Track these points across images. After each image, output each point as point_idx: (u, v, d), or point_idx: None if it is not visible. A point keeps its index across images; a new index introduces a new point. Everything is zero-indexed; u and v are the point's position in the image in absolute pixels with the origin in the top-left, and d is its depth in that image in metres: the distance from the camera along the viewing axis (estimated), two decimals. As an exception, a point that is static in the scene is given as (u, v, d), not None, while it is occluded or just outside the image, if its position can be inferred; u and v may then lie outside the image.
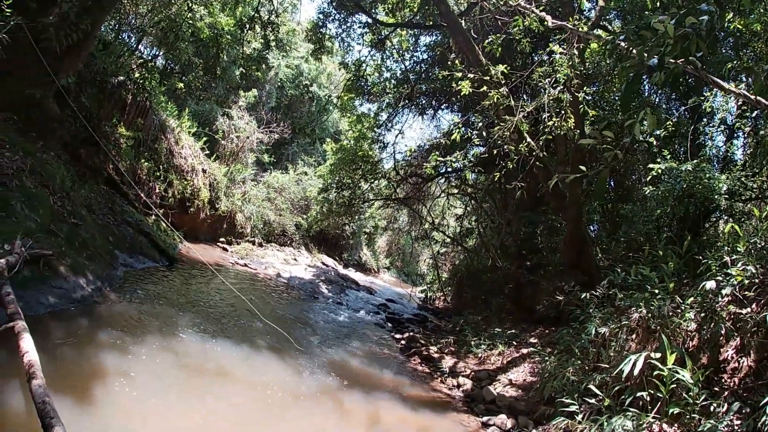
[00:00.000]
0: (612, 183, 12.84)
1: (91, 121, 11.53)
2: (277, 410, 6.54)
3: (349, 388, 8.10)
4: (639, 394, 5.39)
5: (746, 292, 5.55)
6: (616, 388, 5.93)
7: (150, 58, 16.87)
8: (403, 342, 12.80)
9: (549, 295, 10.71)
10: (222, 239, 19.82)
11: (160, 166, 15.04)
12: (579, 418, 6.19)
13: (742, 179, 8.55)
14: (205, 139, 18.73)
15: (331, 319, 13.60)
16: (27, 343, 4.64)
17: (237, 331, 9.21)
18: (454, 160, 8.16)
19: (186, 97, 19.16)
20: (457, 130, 8.46)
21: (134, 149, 13.81)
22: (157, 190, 14.88)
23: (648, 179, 9.02)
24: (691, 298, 6.12)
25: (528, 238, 13.76)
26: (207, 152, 18.90)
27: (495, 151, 8.44)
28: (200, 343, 7.85)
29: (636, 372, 5.25)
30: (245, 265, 17.58)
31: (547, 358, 8.59)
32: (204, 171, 17.67)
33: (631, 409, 5.27)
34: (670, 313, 6.11)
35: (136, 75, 12.25)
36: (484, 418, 8.02)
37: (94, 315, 7.28)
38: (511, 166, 7.79)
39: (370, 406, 7.66)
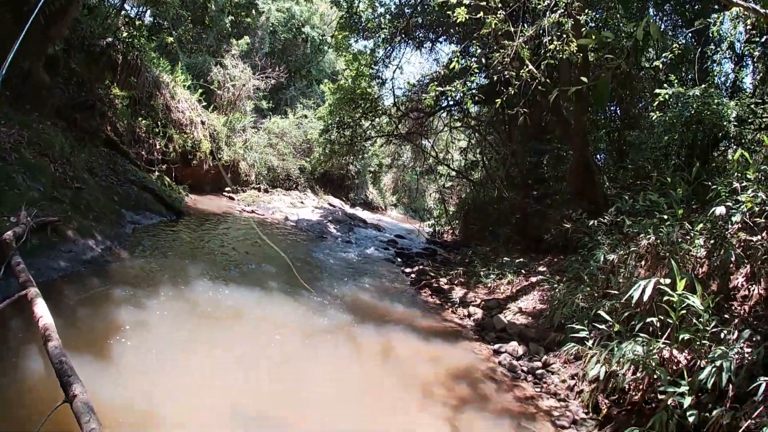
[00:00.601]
0: (618, 110, 12.57)
1: (83, 85, 11.37)
2: (290, 348, 6.69)
3: (361, 323, 8.26)
4: (649, 319, 5.44)
5: (757, 219, 5.50)
6: (626, 314, 5.98)
7: (136, 15, 16.47)
8: (413, 275, 12.92)
9: (556, 224, 10.69)
10: (227, 189, 19.76)
11: (158, 122, 14.89)
12: (589, 343, 6.26)
13: (752, 107, 8.33)
14: (200, 91, 18.40)
15: (341, 257, 13.73)
16: (40, 308, 4.69)
17: (248, 275, 9.37)
18: (453, 89, 7.93)
19: (177, 51, 18.72)
20: (456, 59, 8.20)
21: (130, 108, 13.66)
22: (158, 146, 14.78)
23: (655, 105, 8.78)
24: (701, 225, 6.10)
25: (533, 168, 13.59)
26: (204, 104, 18.58)
27: (496, 79, 8.22)
28: (212, 290, 7.99)
29: (645, 298, 5.26)
30: (252, 211, 17.65)
31: (556, 286, 8.65)
32: (203, 123, 17.45)
33: (641, 335, 5.32)
34: (680, 240, 6.09)
35: (124, 35, 11.96)
36: (496, 346, 8.19)
37: (105, 274, 7.40)
38: (513, 93, 7.58)
39: (383, 339, 7.83)
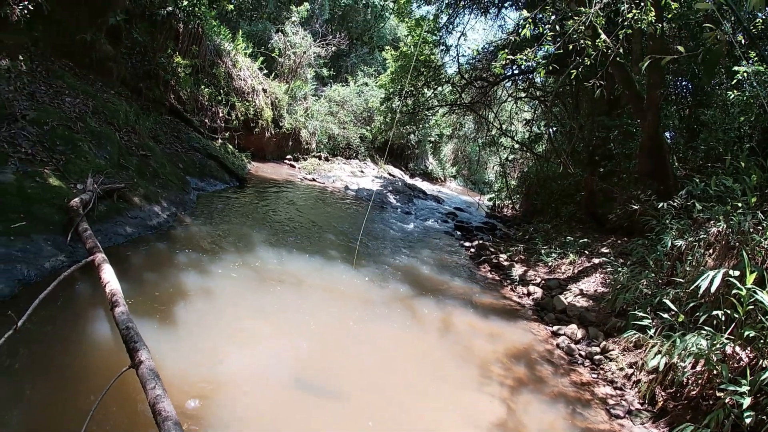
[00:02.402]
0: (690, 86, 11.81)
1: (146, 54, 11.62)
2: (351, 317, 6.77)
3: (420, 296, 8.28)
4: (714, 312, 5.17)
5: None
6: (691, 305, 5.73)
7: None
8: (472, 250, 12.81)
9: (623, 203, 10.24)
10: (289, 156, 20.07)
11: (221, 91, 15.12)
12: (651, 332, 6.07)
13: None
14: (261, 59, 18.51)
15: (400, 228, 13.75)
16: (107, 274, 4.81)
17: (310, 243, 9.50)
18: (524, 58, 7.59)
19: (238, 19, 18.85)
20: (528, 25, 7.85)
21: (193, 77, 13.91)
22: (221, 114, 15.05)
23: (732, 83, 8.17)
24: (775, 215, 5.71)
25: (601, 143, 13.00)
26: (265, 72, 18.75)
27: (571, 47, 7.85)
28: (275, 257, 8.17)
29: (713, 289, 4.99)
30: (313, 179, 17.93)
31: (619, 269, 8.34)
32: (264, 91, 17.64)
33: (705, 328, 5.08)
34: (751, 230, 5.71)
35: (185, 3, 12.04)
36: (554, 327, 8.06)
37: (171, 239, 7.62)
38: (588, 63, 7.21)
39: (442, 313, 7.79)
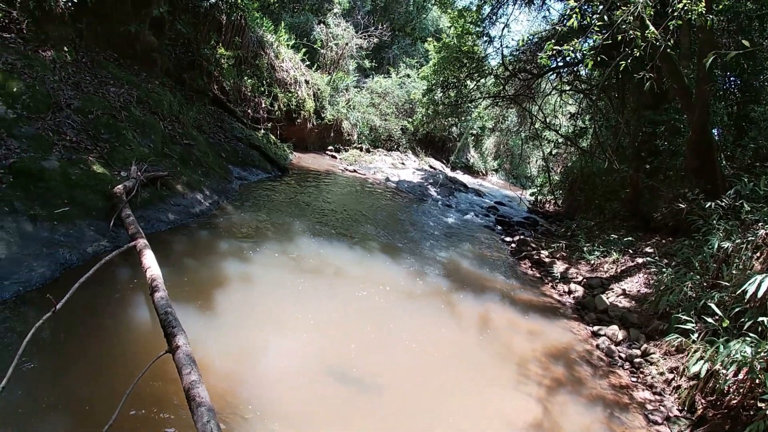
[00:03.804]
0: (738, 82, 11.30)
1: (189, 46, 11.80)
2: (389, 310, 6.77)
3: (459, 289, 8.22)
4: (760, 318, 4.95)
5: None
6: (736, 310, 5.51)
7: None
8: (513, 245, 12.66)
9: (669, 202, 9.92)
10: (330, 147, 20.15)
11: (263, 82, 15.26)
12: (694, 336, 5.87)
13: None
14: (304, 50, 18.55)
15: (441, 221, 13.67)
16: (148, 259, 4.90)
17: (350, 234, 9.52)
18: (571, 49, 7.39)
19: (280, 10, 18.92)
20: (576, 14, 7.62)
21: (236, 68, 14.05)
22: (263, 105, 15.20)
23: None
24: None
25: (647, 139, 12.53)
26: (307, 63, 18.79)
27: (619, 38, 7.61)
28: (315, 247, 8.23)
29: (760, 294, 4.79)
30: (354, 171, 17.95)
31: (663, 270, 8.09)
32: (307, 82, 17.71)
33: (750, 335, 4.87)
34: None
35: (227, -6, 12.23)
36: (595, 328, 7.90)
37: (212, 227, 7.74)
38: (637, 54, 6.98)
39: (481, 308, 7.73)
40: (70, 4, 7.84)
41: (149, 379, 3.82)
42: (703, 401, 5.52)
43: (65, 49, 8.04)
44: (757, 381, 4.68)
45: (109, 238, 5.90)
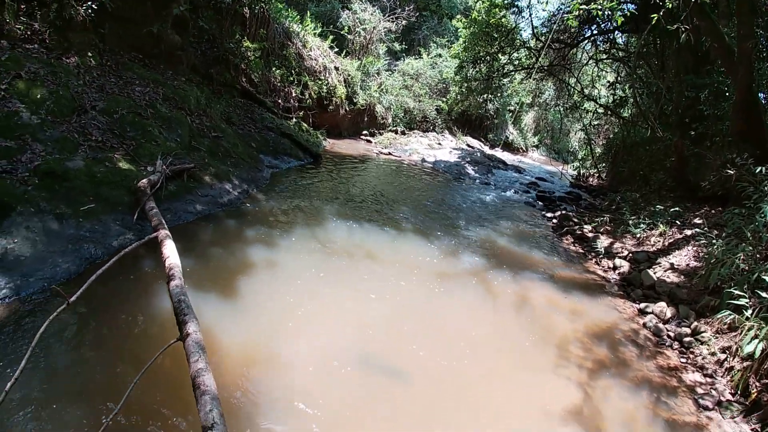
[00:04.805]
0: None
1: (214, 41, 11.81)
2: (421, 292, 6.60)
3: (497, 268, 8.00)
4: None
5: None
6: (794, 284, 5.11)
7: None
8: (554, 221, 12.34)
9: (716, 169, 9.39)
10: (365, 132, 20.11)
11: (292, 71, 15.22)
12: (748, 313, 5.49)
13: None
14: (331, 37, 18.38)
15: (478, 199, 13.44)
16: (168, 249, 4.93)
17: (382, 216, 9.41)
18: (599, 7, 7.00)
19: (305, 0, 18.72)
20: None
21: (263, 59, 14.05)
22: (294, 94, 15.18)
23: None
24: None
25: (691, 104, 11.88)
26: (336, 50, 18.67)
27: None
28: (346, 231, 8.16)
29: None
30: (389, 153, 17.92)
31: (714, 242, 7.66)
32: (336, 68, 17.61)
33: (810, 312, 4.49)
34: None
35: (247, -12, 12.16)
36: (642, 305, 7.55)
37: (241, 215, 7.75)
38: (669, 5, 6.55)
39: (519, 288, 7.50)
40: (90, 11, 7.95)
41: (165, 368, 3.84)
42: (757, 384, 5.15)
43: (89, 54, 8.16)
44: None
45: (135, 231, 5.96)
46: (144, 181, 6.56)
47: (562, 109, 22.68)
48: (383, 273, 6.87)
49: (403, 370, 4.78)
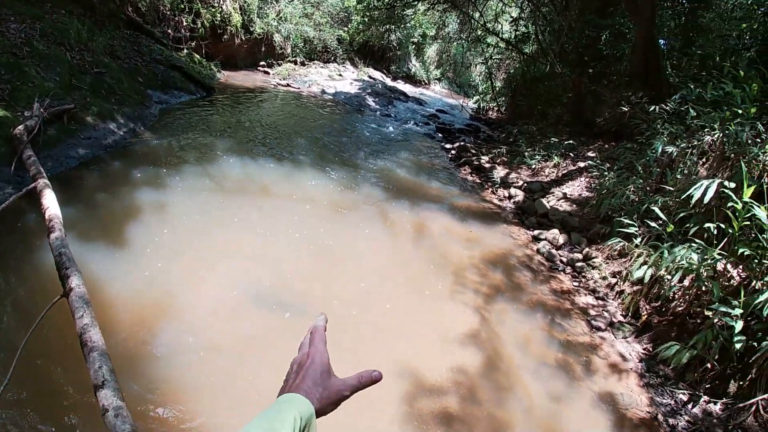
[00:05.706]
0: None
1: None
2: (318, 225, 6.51)
3: (394, 199, 8.07)
4: (706, 225, 4.89)
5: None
6: (681, 215, 5.46)
7: None
8: (453, 152, 12.55)
9: (612, 106, 9.81)
10: (262, 63, 19.13)
11: (183, -2, 13.99)
12: (637, 241, 5.86)
13: None
14: (226, -41, 16.99)
15: (378, 131, 13.39)
16: (48, 199, 4.56)
17: (278, 151, 9.14)
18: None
19: None
20: None
21: (152, -15, 12.78)
22: (185, 23, 14.11)
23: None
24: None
25: (591, 44, 12.26)
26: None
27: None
28: (240, 166, 7.88)
29: (706, 199, 4.71)
30: (288, 85, 17.32)
31: (606, 174, 8.09)
32: (231, -6, 16.38)
33: (696, 241, 4.82)
34: (749, 141, 5.31)
35: None
36: (535, 232, 7.91)
37: (127, 156, 7.29)
38: None
39: (417, 217, 7.60)
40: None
41: (57, 325, 3.57)
42: (647, 307, 5.56)
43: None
44: (704, 289, 4.67)
45: (14, 183, 5.42)
46: (20, 127, 5.92)
47: (465, 42, 22.68)
48: (280, 208, 6.74)
49: (302, 305, 4.73)
